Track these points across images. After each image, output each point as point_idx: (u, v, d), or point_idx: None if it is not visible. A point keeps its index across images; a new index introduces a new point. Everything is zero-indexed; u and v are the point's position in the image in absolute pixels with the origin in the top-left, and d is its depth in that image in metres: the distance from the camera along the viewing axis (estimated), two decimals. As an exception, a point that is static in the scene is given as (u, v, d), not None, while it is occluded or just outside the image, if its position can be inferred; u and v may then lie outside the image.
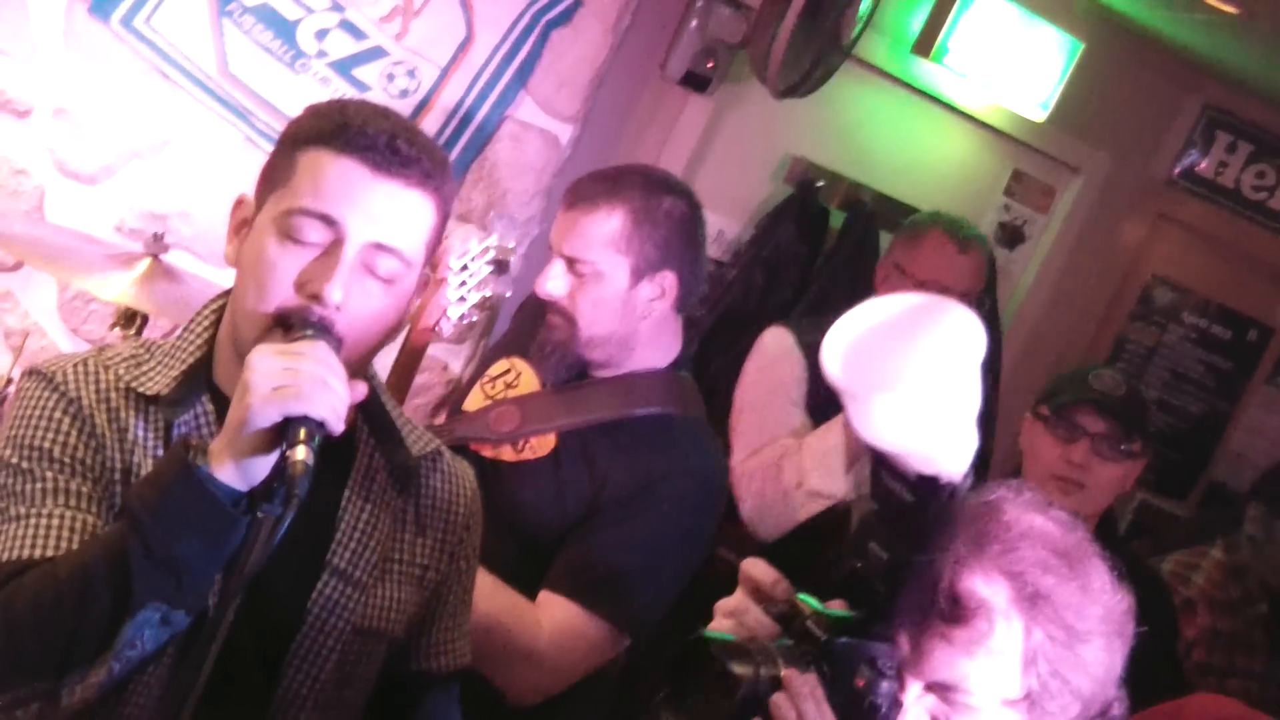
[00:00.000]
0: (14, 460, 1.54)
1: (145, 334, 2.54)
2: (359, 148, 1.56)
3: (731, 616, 1.39)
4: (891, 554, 1.32)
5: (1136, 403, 2.78)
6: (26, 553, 1.48)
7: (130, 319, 2.51)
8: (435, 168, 1.60)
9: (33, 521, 1.51)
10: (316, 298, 1.52)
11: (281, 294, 1.54)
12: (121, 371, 1.62)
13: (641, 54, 3.75)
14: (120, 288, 2.47)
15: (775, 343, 3.10)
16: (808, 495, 2.83)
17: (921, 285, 3.06)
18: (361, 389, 1.49)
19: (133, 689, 1.56)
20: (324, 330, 1.52)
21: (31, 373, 1.61)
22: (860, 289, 3.47)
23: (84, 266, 2.57)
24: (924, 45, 3.99)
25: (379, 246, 1.55)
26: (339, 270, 1.52)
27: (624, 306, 2.27)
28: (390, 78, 3.21)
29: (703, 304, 3.95)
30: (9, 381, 2.51)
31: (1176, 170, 4.44)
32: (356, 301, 1.55)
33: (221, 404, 1.60)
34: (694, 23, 3.69)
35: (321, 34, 3.15)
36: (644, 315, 2.29)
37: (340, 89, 3.17)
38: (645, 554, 2.22)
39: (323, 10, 3.14)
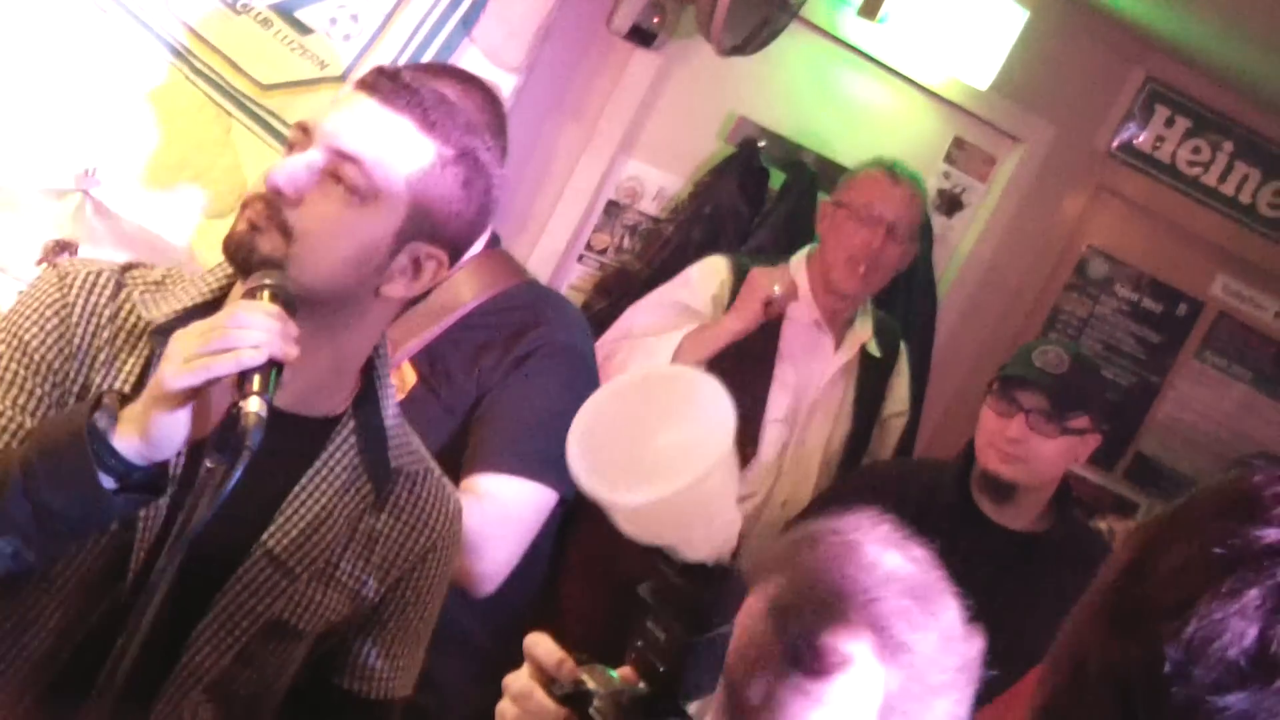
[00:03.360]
0: None
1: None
2: (368, 78, 1.60)
3: (517, 701, 1.30)
4: (668, 634, 1.25)
5: (1079, 380, 2.81)
6: None
7: (59, 253, 2.48)
8: (439, 111, 1.59)
9: None
10: (271, 185, 1.54)
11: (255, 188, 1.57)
12: (137, 293, 1.63)
13: (588, 6, 3.73)
14: (49, 221, 2.44)
15: (707, 260, 3.42)
16: None
17: (854, 211, 3.30)
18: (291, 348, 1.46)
19: (33, 614, 1.57)
20: (280, 289, 1.51)
21: (55, 265, 1.65)
22: (798, 248, 3.51)
23: (12, 199, 2.54)
24: (868, 8, 3.99)
25: (341, 153, 1.55)
26: (289, 159, 1.55)
27: None
28: (333, 21, 3.18)
29: (638, 259, 3.96)
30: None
31: (1115, 143, 4.48)
32: (314, 202, 1.54)
33: None
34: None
35: (264, -27, 3.11)
36: None
37: (282, 31, 3.12)
38: (538, 411, 2.21)
39: (265, -51, 3.10)
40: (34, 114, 3.03)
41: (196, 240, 2.96)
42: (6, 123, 3.03)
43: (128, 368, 1.60)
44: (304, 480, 1.65)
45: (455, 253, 1.66)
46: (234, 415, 1.40)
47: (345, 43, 3.18)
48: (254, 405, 1.39)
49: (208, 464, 1.40)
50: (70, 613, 1.58)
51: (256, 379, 1.40)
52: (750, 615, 1.37)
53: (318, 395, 1.67)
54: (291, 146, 1.59)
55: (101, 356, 1.59)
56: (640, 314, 3.39)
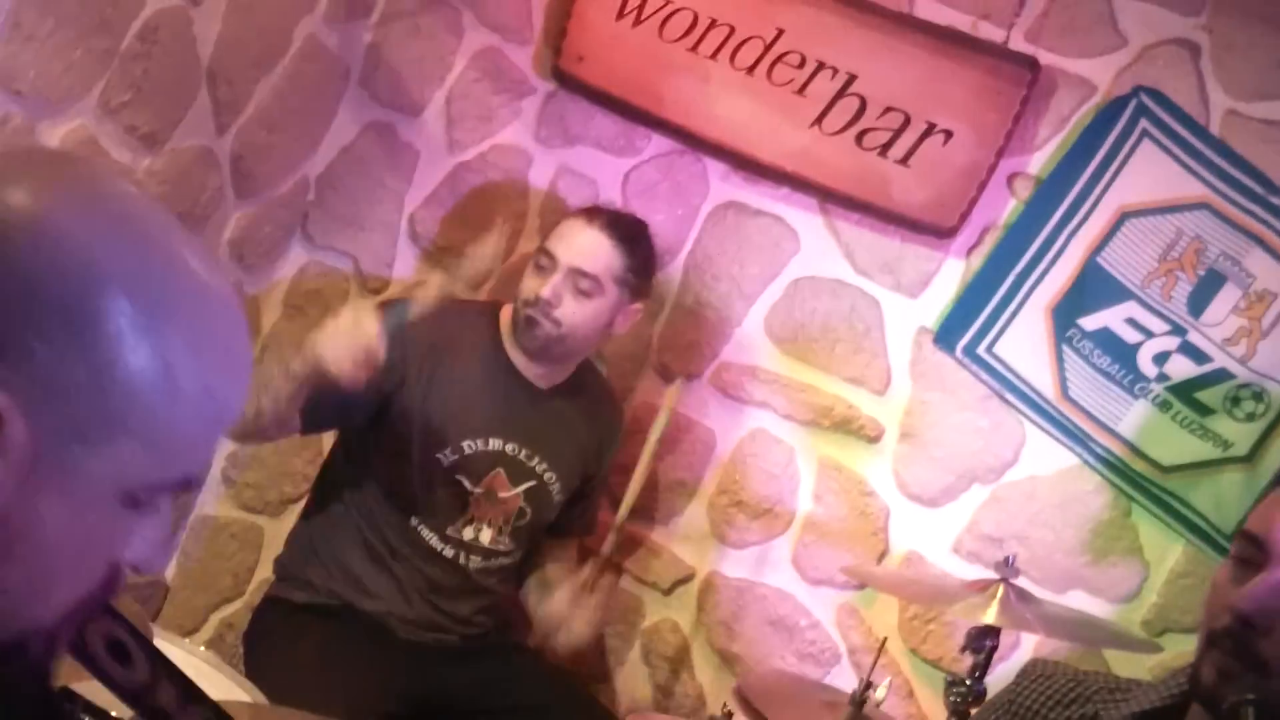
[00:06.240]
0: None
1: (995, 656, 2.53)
2: None
3: None
4: None
5: None
6: None
7: (981, 639, 2.52)
8: None
9: None
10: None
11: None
12: (1091, 693, 1.73)
13: None
14: (976, 611, 2.52)
15: None
16: None
17: None
18: None
19: None
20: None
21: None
22: None
23: (933, 592, 2.68)
24: None
25: None
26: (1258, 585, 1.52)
27: None
28: (1234, 400, 3.10)
29: None
30: (869, 686, 2.59)
31: None
32: None
33: None
34: None
35: (1161, 357, 3.12)
36: None
37: (1181, 413, 3.10)
38: None
39: (1163, 334, 3.12)
40: (942, 503, 3.23)
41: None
42: (917, 512, 3.23)
43: None
44: None
45: None
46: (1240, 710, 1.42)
47: (1249, 422, 3.09)
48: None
49: None
50: None
51: None
52: None
53: None
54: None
55: None
56: None
